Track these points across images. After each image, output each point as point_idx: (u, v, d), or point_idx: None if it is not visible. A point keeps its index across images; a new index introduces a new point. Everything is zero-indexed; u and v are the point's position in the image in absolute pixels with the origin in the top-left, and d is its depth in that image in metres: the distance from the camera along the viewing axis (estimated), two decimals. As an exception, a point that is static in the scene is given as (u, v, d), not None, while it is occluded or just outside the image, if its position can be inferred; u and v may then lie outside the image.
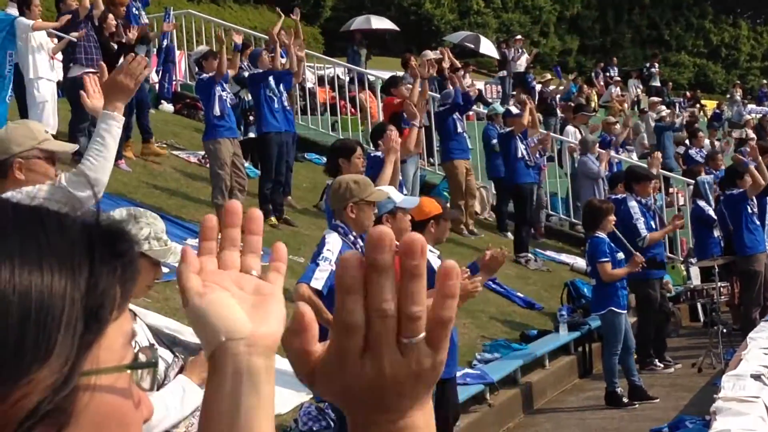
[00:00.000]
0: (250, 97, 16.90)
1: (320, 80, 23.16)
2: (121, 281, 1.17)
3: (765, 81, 55.10)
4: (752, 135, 31.80)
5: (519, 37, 34.07)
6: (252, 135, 17.13)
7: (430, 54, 22.20)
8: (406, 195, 9.18)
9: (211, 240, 1.41)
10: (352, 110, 22.46)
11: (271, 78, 15.03)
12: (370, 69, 26.11)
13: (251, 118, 17.11)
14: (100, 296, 1.13)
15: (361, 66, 25.33)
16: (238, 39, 18.18)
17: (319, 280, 6.64)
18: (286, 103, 15.44)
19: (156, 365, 1.40)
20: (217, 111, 13.88)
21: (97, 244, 1.16)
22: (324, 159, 13.92)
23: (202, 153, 16.08)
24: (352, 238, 6.83)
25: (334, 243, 6.80)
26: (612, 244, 11.58)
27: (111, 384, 1.15)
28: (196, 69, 16.14)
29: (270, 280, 1.41)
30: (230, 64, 14.85)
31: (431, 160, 20.32)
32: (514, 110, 18.65)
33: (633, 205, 13.03)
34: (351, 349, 1.14)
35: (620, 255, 11.59)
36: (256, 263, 1.43)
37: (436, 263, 7.73)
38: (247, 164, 15.88)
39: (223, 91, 14.23)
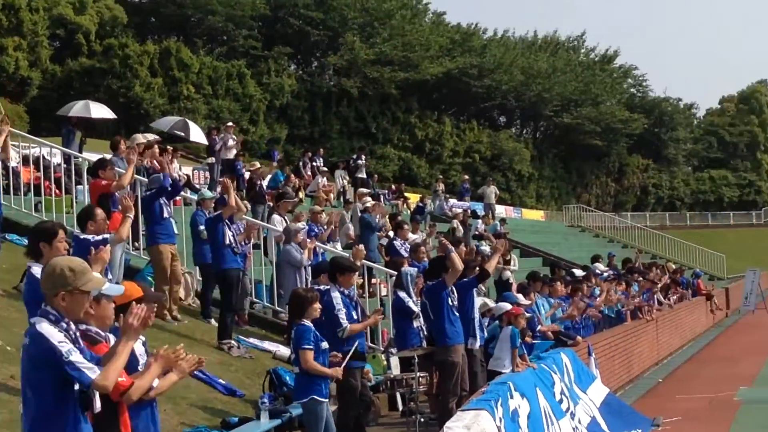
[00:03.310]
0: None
1: (25, 159, 22.61)
2: None
3: (466, 176, 57.20)
4: (460, 228, 32.88)
5: (230, 124, 34.13)
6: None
7: (140, 138, 22.04)
8: (110, 279, 9.03)
9: None
10: (57, 191, 21.98)
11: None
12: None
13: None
14: None
15: (74, 148, 24.71)
16: None
17: None
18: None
19: None
20: None
21: None
22: (26, 240, 13.54)
23: None
24: (65, 325, 6.52)
25: (52, 335, 6.48)
26: (317, 333, 11.67)
27: None
28: None
29: None
30: None
31: (136, 244, 20.07)
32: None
33: (336, 295, 13.10)
34: None
35: (324, 344, 11.69)
36: None
37: (139, 350, 7.63)
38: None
39: None
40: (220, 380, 14.94)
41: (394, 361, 16.58)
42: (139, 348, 7.57)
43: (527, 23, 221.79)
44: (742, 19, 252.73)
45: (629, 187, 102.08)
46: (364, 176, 41.65)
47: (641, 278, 28.89)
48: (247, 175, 29.02)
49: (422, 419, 13.95)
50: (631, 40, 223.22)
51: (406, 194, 46.34)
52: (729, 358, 27.58)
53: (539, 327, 17.54)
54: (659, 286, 30.64)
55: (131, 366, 7.29)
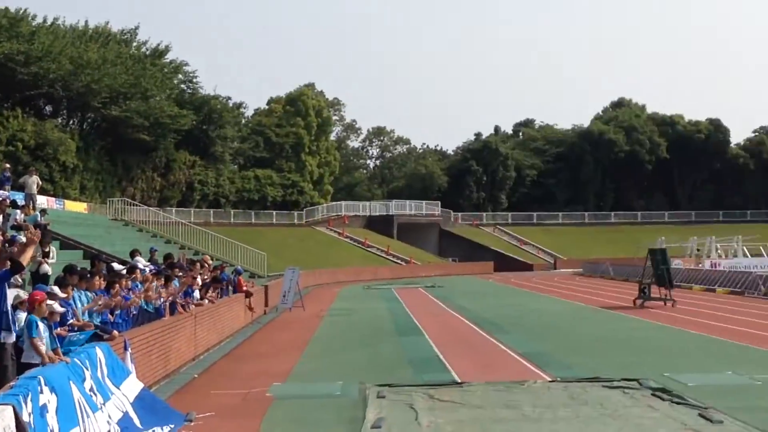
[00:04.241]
0: None
1: None
2: None
3: (8, 165, 55.51)
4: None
5: None
6: None
7: None
8: None
9: None
10: None
11: None
12: None
13: None
14: None
15: None
16: None
17: None
18: None
19: None
20: None
21: None
22: None
23: None
24: None
25: None
26: None
27: None
28: None
29: None
30: None
31: None
32: None
33: None
34: None
35: None
36: None
37: None
38: None
39: None
40: None
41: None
42: None
43: (78, 12, 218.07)
44: (288, 23, 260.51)
45: (175, 182, 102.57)
46: None
47: (182, 274, 29.09)
48: None
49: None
50: (185, 36, 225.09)
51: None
52: (265, 354, 28.25)
53: (71, 320, 17.25)
54: (199, 281, 30.97)
55: None
